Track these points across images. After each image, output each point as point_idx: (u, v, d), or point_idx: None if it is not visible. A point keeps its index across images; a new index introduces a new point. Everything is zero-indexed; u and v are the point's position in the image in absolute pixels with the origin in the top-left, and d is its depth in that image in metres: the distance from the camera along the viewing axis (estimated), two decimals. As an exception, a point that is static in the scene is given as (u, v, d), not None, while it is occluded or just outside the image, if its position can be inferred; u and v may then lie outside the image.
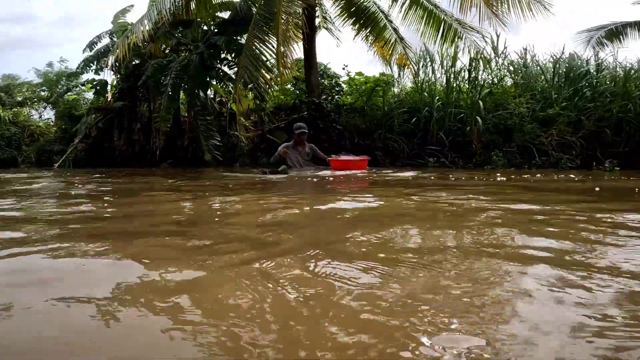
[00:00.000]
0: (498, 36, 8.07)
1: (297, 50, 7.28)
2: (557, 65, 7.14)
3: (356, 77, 9.19)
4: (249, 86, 6.73)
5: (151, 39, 7.18)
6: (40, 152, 11.21)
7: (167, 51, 9.08)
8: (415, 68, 8.37)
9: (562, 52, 7.45)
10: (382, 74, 9.06)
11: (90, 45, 8.97)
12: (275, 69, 6.50)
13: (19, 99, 16.04)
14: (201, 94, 7.87)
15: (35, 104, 13.32)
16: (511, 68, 8.11)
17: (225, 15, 8.82)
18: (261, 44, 6.36)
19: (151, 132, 9.04)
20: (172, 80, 6.99)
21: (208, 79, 7.99)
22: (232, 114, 9.14)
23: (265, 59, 6.45)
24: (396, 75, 9.02)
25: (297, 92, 8.69)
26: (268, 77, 6.44)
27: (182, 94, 8.89)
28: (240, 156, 8.40)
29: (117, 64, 8.93)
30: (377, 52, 9.40)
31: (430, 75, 8.33)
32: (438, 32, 8.24)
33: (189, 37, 8.68)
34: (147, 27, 6.49)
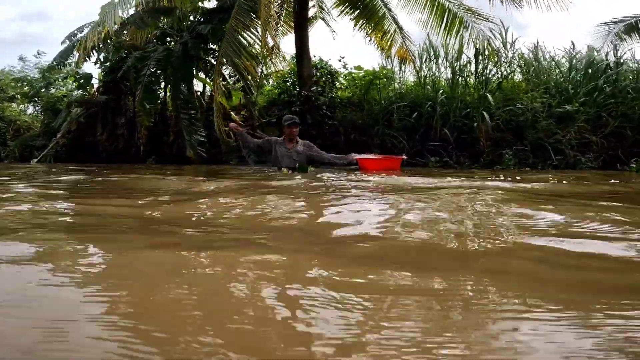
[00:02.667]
0: (506, 30, 7.46)
1: (287, 40, 6.72)
2: (574, 59, 6.51)
3: (354, 70, 8.60)
4: (233, 78, 6.15)
5: (123, 28, 6.60)
6: (23, 147, 10.75)
7: (154, 41, 8.53)
8: (415, 59, 7.77)
9: (574, 47, 6.83)
10: (383, 68, 8.46)
11: (70, 37, 8.41)
12: (261, 58, 5.89)
13: (12, 94, 15.64)
14: (184, 86, 7.28)
15: (18, 99, 12.87)
16: (522, 62, 7.48)
17: (213, 4, 8.25)
18: (245, 30, 5.74)
19: (135, 127, 8.51)
20: (151, 71, 6.40)
21: (192, 71, 7.39)
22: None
23: (247, 44, 5.83)
24: (397, 70, 8.43)
25: (287, 84, 8.09)
26: (251, 65, 5.81)
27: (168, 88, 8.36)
28: (227, 153, 7.82)
29: (101, 57, 8.39)
30: (376, 44, 8.82)
31: (434, 69, 7.72)
32: (442, 21, 7.63)
33: (174, 27, 8.11)
34: (121, 15, 5.91)
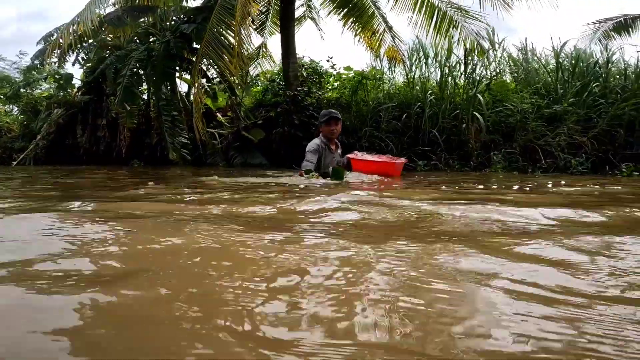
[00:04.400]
0: (493, 30, 7.36)
1: (276, 39, 6.49)
2: (561, 58, 6.41)
3: (344, 71, 8.44)
4: (217, 78, 5.94)
5: (102, 27, 6.36)
6: (2, 149, 10.43)
7: (136, 41, 8.27)
8: (405, 59, 7.63)
9: (565, 44, 6.72)
10: (373, 69, 8.31)
11: (46, 37, 8.12)
12: (243, 59, 5.68)
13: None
14: (166, 87, 7.05)
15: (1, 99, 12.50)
16: (510, 63, 7.38)
17: (198, 3, 8.03)
18: (226, 30, 5.52)
19: (118, 129, 8.28)
20: (130, 71, 6.16)
21: (174, 71, 7.16)
22: (206, 111, 8.38)
23: (228, 44, 5.61)
24: (387, 70, 8.27)
25: (273, 84, 7.90)
26: (232, 66, 5.59)
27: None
28: (212, 155, 7.63)
29: (80, 57, 8.14)
30: (365, 44, 8.67)
31: (423, 69, 7.58)
32: (432, 20, 7.51)
33: (158, 26, 7.87)
34: (97, 13, 5.66)
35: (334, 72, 8.37)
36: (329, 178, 3.63)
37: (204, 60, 5.48)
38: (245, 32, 5.02)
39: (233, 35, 5.33)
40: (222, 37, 5.52)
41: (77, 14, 6.11)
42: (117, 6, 6.30)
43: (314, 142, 4.21)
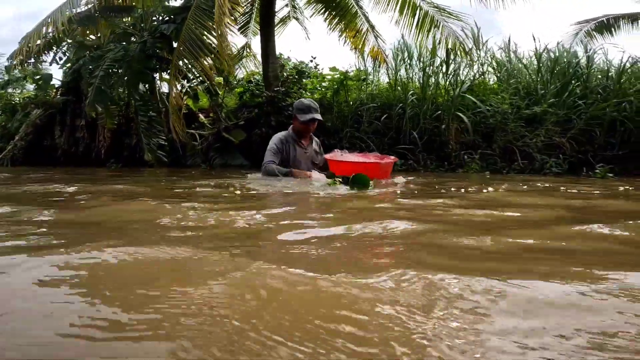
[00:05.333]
0: (479, 29, 7.30)
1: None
2: (542, 58, 6.35)
3: (329, 72, 8.35)
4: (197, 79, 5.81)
5: (70, 25, 6.23)
6: (-19, 150, 10.26)
7: (116, 41, 8.14)
8: (388, 59, 7.56)
9: (546, 45, 6.69)
10: (358, 70, 8.22)
11: (27, 37, 7.98)
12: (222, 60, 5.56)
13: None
14: (144, 87, 6.93)
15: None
16: (494, 63, 7.32)
17: (179, 3, 7.91)
18: (202, 30, 5.40)
19: (97, 130, 8.14)
20: (104, 72, 6.04)
21: (150, 71, 7.03)
22: (188, 112, 8.26)
23: (203, 45, 5.49)
24: (372, 71, 8.18)
25: (251, 85, 7.80)
26: (209, 67, 5.47)
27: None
28: (192, 156, 7.51)
29: (58, 57, 7.98)
30: (350, 43, 8.59)
31: (407, 70, 7.51)
32: (414, 19, 7.44)
33: (138, 26, 7.74)
34: (67, 14, 5.54)
35: (317, 73, 8.29)
36: (348, 186, 3.07)
37: (181, 61, 5.36)
38: (224, 34, 4.88)
39: (210, 36, 5.19)
40: (198, 39, 5.39)
41: (48, 15, 5.99)
42: (89, 6, 6.17)
43: (277, 139, 3.74)
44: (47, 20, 5.76)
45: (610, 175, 4.75)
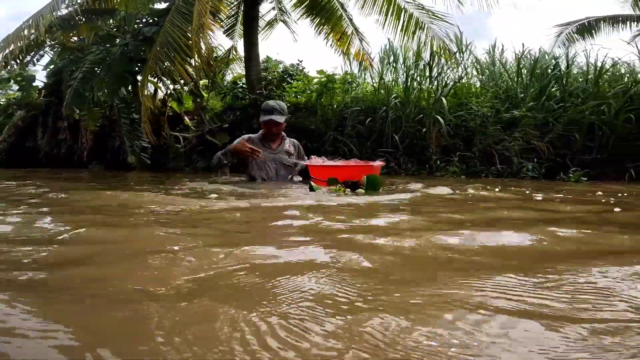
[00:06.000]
0: (462, 33, 7.34)
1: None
2: (523, 61, 6.38)
3: (317, 75, 8.33)
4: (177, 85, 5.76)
5: (51, 28, 6.18)
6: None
7: (100, 43, 8.10)
8: (373, 61, 7.57)
9: (528, 48, 6.72)
10: (346, 73, 8.22)
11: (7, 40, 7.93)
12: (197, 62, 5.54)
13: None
14: (127, 89, 6.90)
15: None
16: (478, 66, 7.35)
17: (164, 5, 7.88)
18: (181, 34, 5.36)
19: (80, 131, 8.09)
20: (82, 74, 5.99)
21: (131, 74, 6.99)
22: (173, 114, 8.22)
23: (179, 48, 5.45)
24: (360, 74, 8.18)
25: (235, 87, 7.78)
26: (185, 72, 5.42)
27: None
28: (175, 159, 7.48)
29: (36, 59, 7.92)
30: (336, 46, 8.60)
31: (393, 73, 7.52)
32: (399, 22, 7.46)
33: (122, 29, 7.70)
34: (47, 17, 5.49)
35: (302, 76, 8.27)
36: (355, 192, 2.90)
37: (157, 64, 5.32)
38: (203, 40, 4.84)
39: (187, 40, 5.13)
40: (175, 42, 5.34)
41: (29, 17, 5.95)
42: (70, 9, 6.12)
43: (242, 138, 3.70)
44: (28, 23, 5.72)
45: (584, 179, 4.77)
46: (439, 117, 6.03)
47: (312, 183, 2.99)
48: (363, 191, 2.93)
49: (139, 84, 5.98)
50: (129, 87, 7.15)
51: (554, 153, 5.52)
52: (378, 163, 3.56)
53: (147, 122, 5.31)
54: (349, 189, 2.94)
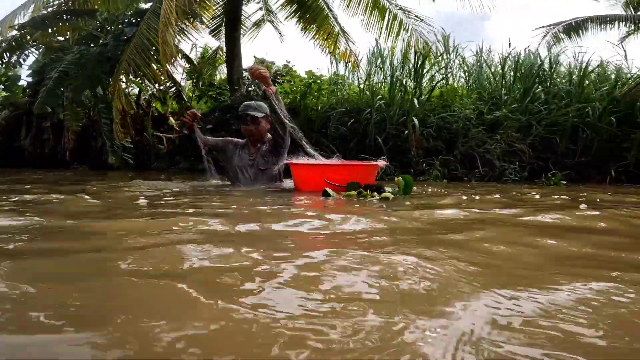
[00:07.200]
0: (448, 35, 7.26)
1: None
2: (507, 62, 6.30)
3: (304, 75, 8.24)
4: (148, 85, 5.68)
5: (22, 28, 6.12)
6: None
7: (82, 43, 8.03)
8: (358, 61, 7.50)
9: (514, 48, 6.64)
10: (335, 74, 8.14)
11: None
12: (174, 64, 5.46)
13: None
14: (99, 89, 6.82)
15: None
16: (464, 68, 7.27)
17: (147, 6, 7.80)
18: (155, 34, 5.28)
19: (63, 132, 8.03)
20: (58, 74, 5.92)
21: (106, 75, 6.92)
22: (158, 114, 8.16)
23: (154, 52, 5.37)
24: (348, 75, 8.09)
25: (212, 89, 7.70)
26: (159, 72, 5.35)
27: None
28: (157, 160, 7.41)
29: (21, 59, 7.85)
30: (322, 46, 8.52)
31: (379, 74, 7.43)
32: (383, 22, 7.39)
33: (105, 29, 7.62)
34: (13, 22, 5.41)
35: (295, 76, 8.19)
36: (380, 196, 2.64)
37: (131, 65, 5.24)
38: (167, 41, 4.75)
39: (159, 42, 5.05)
40: (150, 43, 5.26)
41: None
42: (43, 11, 6.04)
43: (228, 137, 3.80)
44: (6, 21, 5.65)
45: (564, 182, 4.68)
46: (414, 118, 5.94)
47: (327, 189, 2.72)
48: (391, 195, 2.64)
49: (111, 83, 5.91)
50: (108, 88, 7.08)
51: (535, 156, 5.44)
52: (382, 162, 3.29)
53: (118, 123, 5.24)
54: (375, 192, 2.67)
